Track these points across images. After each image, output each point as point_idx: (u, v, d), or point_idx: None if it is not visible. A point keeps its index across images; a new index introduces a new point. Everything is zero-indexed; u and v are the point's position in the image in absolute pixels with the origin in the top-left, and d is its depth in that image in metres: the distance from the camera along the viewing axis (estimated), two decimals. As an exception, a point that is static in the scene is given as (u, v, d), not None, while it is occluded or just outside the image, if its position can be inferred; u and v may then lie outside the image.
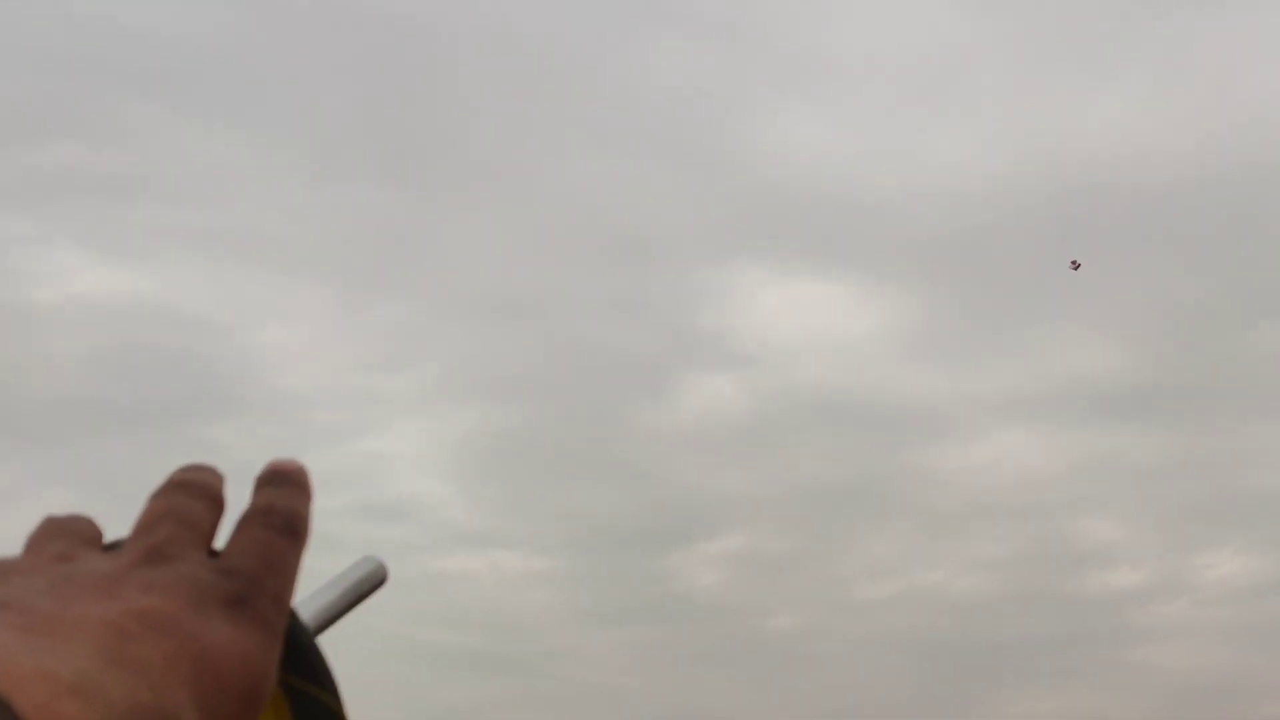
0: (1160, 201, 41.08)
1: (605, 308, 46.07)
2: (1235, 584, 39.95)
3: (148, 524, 0.31)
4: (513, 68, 47.20)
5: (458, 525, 44.68)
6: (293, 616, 0.33)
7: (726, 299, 44.91)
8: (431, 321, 44.88)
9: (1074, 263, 34.05)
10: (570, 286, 45.92)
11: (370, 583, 0.41)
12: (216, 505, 0.34)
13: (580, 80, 46.79)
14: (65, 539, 0.31)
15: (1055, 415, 42.38)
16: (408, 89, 48.42)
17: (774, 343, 44.75)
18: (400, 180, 47.42)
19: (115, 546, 0.32)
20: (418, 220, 46.61)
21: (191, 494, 0.33)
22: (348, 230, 47.31)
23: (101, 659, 0.25)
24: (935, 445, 43.26)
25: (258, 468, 0.35)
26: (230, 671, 0.27)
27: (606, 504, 43.40)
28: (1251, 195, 39.76)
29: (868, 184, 44.33)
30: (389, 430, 45.20)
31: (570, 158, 46.46)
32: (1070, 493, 41.13)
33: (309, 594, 0.38)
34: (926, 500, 42.75)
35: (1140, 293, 41.13)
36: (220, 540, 0.33)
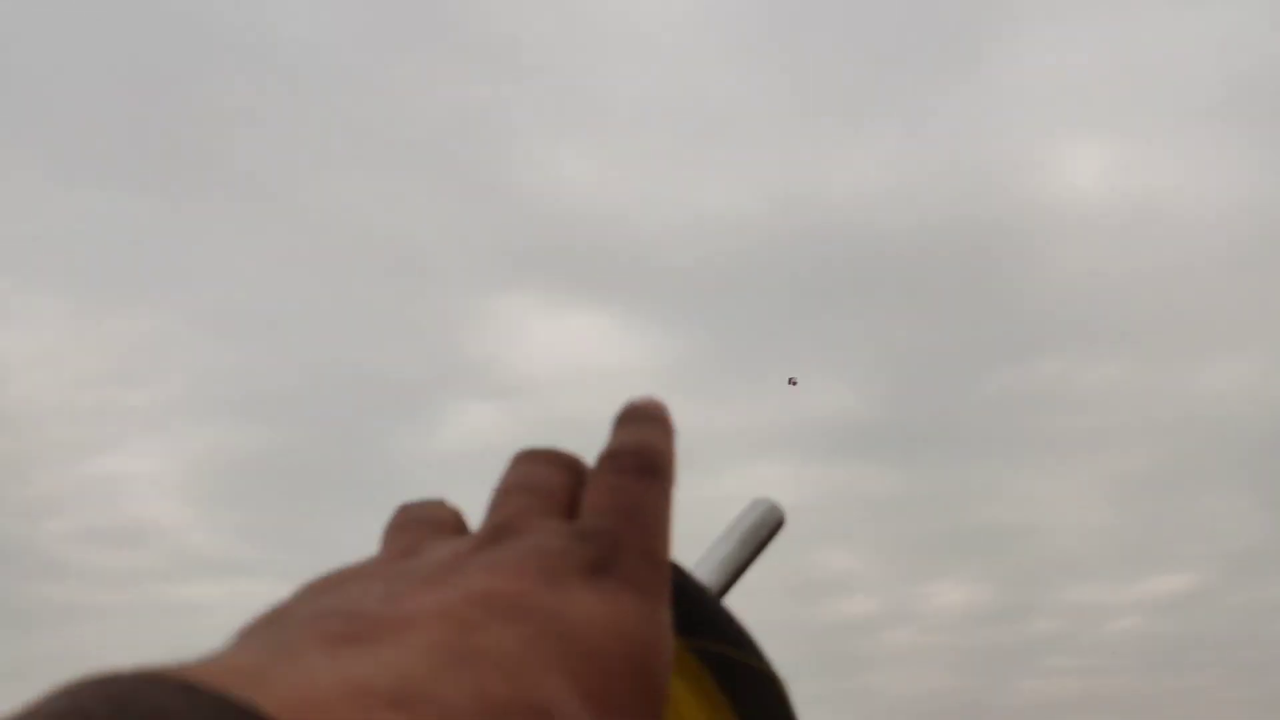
0: (902, 253, 43.90)
1: (369, 329, 45.41)
2: (956, 612, 42.97)
3: (497, 501, 0.26)
4: (284, 80, 46.15)
5: (197, 551, 42.94)
6: (680, 572, 0.28)
7: (495, 327, 45.07)
8: (179, 335, 43.07)
9: (791, 379, 36.74)
10: (333, 305, 45.04)
11: (767, 527, 0.36)
12: (574, 470, 0.28)
13: (356, 99, 46.23)
14: (415, 529, 0.27)
15: (800, 451, 44.52)
16: (170, 93, 46.59)
17: (540, 373, 45.18)
18: (154, 187, 45.44)
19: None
20: (171, 229, 44.73)
21: (543, 461, 0.28)
22: (92, 236, 44.96)
23: (436, 657, 0.20)
24: (689, 477, 44.56)
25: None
26: (606, 647, 0.22)
27: (357, 532, 42.52)
28: (985, 251, 43.03)
29: (637, 221, 45.52)
30: (125, 448, 43.05)
31: (342, 175, 45.71)
32: (811, 524, 43.28)
33: (702, 553, 0.33)
34: (674, 532, 43.99)
35: (878, 339, 43.77)
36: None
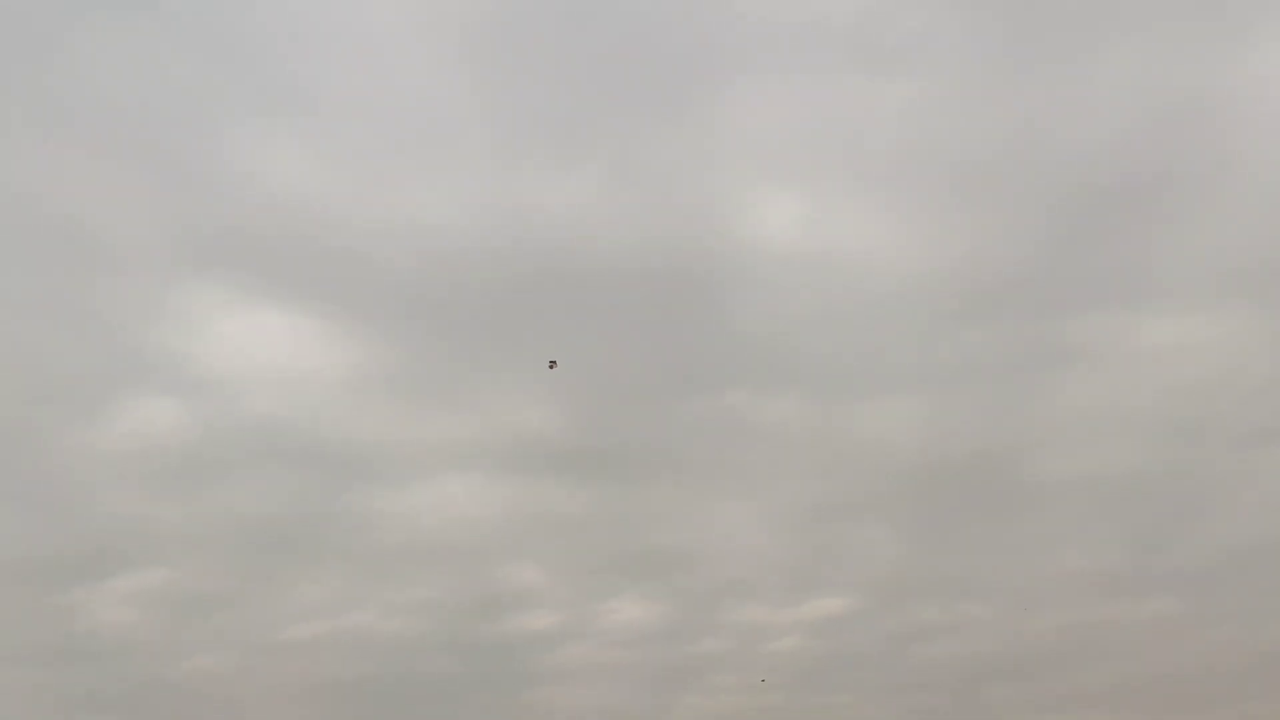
0: (604, 283, 45.31)
1: (39, 315, 41.68)
2: (632, 630, 44.59)
3: None
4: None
5: None
6: None
7: (183, 320, 42.59)
8: None
9: (551, 362, 36.87)
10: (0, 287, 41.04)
11: None
12: None
13: (42, 66, 42.40)
14: None
15: (495, 466, 44.89)
16: None
17: (228, 370, 43.06)
18: None
19: None
20: None
21: None
22: None
23: None
24: (377, 488, 43.86)
25: None
26: None
27: (6, 532, 38.89)
28: (685, 285, 45.16)
29: (345, 224, 44.40)
30: None
31: (19, 148, 41.76)
32: (498, 540, 43.69)
33: None
34: (363, 543, 43.11)
35: (578, 363, 44.90)
36: None
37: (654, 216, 46.34)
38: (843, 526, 46.49)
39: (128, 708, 37.12)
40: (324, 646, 40.10)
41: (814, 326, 45.97)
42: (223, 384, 43.03)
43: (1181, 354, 44.71)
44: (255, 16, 44.26)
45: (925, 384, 45.74)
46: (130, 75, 43.05)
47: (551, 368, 35.84)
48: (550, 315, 46.02)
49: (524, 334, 45.62)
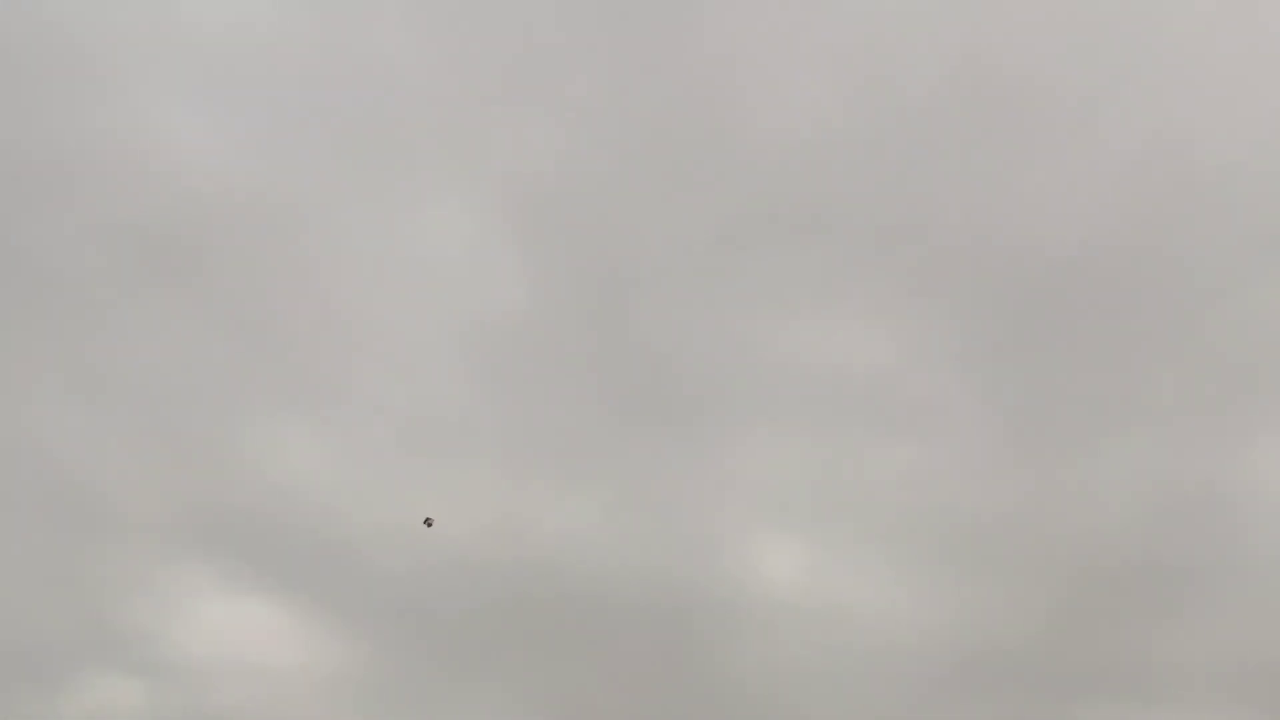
0: (597, 610, 44.45)
1: (16, 571, 40.49)
2: None
3: None
4: None
5: None
6: None
7: (161, 597, 41.36)
8: None
9: (427, 520, 35.02)
10: (-14, 539, 40.06)
11: None
12: None
13: (83, 336, 43.38)
14: None
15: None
16: None
17: (200, 657, 41.40)
18: None
19: None
20: None
21: None
22: None
23: None
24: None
25: None
26: None
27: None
28: (675, 625, 44.22)
29: (344, 519, 44.03)
30: None
31: (50, 406, 42.05)
32: None
33: None
34: None
35: (568, 688, 43.27)
36: None
37: (654, 547, 46.07)
38: None
39: None
40: None
41: (809, 682, 44.71)
42: (192, 670, 41.28)
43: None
44: (296, 307, 45.86)
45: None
46: (165, 354, 44.05)
47: (428, 525, 33.65)
48: (538, 635, 44.81)
49: (509, 651, 44.30)
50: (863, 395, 46.83)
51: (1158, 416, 44.80)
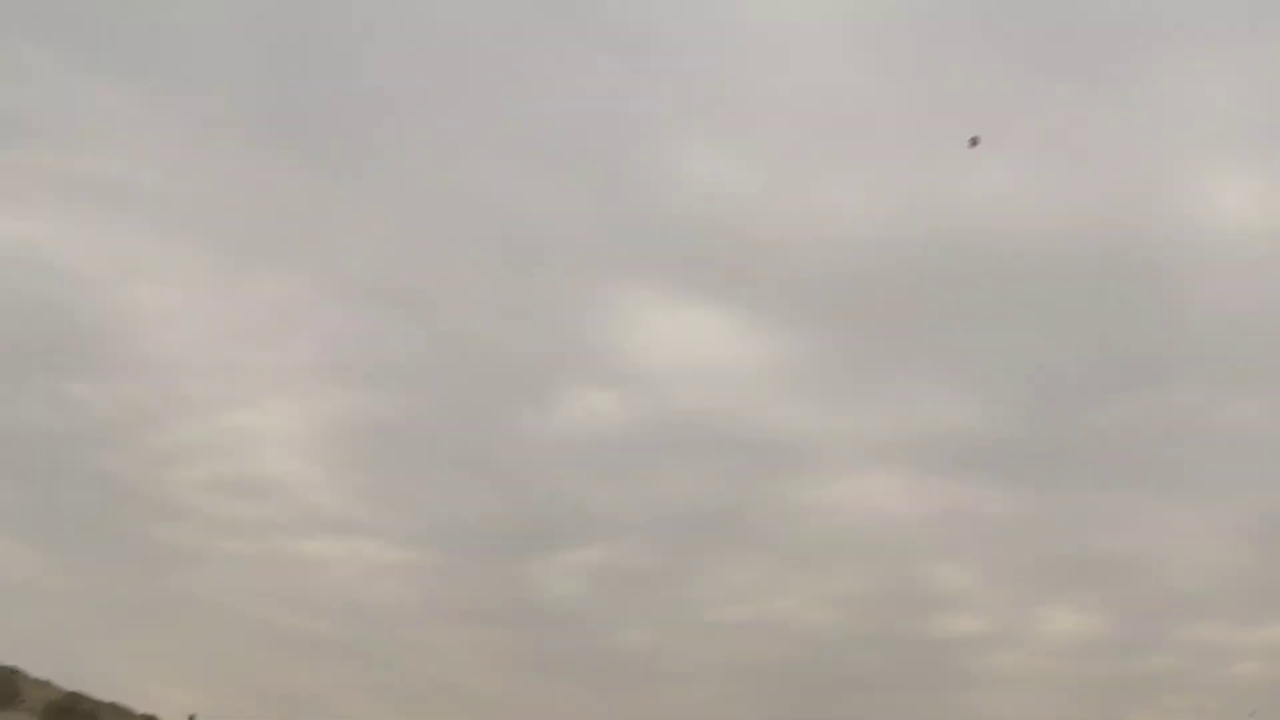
0: (1032, 270, 43.00)
1: (493, 310, 46.03)
2: (1068, 640, 41.72)
3: None
4: (425, 63, 47.14)
5: (320, 510, 43.78)
6: None
7: (614, 317, 45.31)
8: (312, 299, 44.20)
9: (973, 139, 32.08)
10: (459, 284, 45.77)
11: None
12: None
13: (490, 85, 47.04)
14: None
15: (916, 462, 43.75)
16: (318, 63, 47.83)
17: (656, 365, 45.26)
18: (297, 151, 46.62)
19: None
20: (309, 195, 45.94)
21: None
22: (234, 195, 46.24)
23: None
24: (800, 480, 44.19)
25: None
26: None
27: (473, 503, 43.06)
28: (1120, 274, 41.89)
29: (761, 221, 45.37)
30: (257, 406, 44.16)
31: (474, 158, 46.52)
32: (924, 538, 42.45)
33: None
34: (786, 532, 43.57)
35: (1007, 355, 42.90)
36: None
37: (1084, 198, 43.52)
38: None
39: (569, 670, 39.68)
40: (747, 630, 40.96)
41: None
42: (650, 377, 45.26)
43: None
44: (671, 25, 46.41)
45: None
46: (567, 94, 46.64)
47: (973, 144, 31.17)
48: (970, 304, 44.33)
49: (942, 325, 44.29)
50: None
51: None
